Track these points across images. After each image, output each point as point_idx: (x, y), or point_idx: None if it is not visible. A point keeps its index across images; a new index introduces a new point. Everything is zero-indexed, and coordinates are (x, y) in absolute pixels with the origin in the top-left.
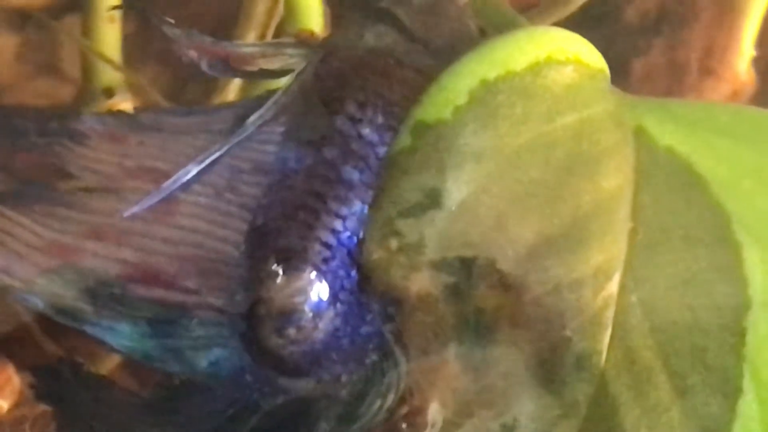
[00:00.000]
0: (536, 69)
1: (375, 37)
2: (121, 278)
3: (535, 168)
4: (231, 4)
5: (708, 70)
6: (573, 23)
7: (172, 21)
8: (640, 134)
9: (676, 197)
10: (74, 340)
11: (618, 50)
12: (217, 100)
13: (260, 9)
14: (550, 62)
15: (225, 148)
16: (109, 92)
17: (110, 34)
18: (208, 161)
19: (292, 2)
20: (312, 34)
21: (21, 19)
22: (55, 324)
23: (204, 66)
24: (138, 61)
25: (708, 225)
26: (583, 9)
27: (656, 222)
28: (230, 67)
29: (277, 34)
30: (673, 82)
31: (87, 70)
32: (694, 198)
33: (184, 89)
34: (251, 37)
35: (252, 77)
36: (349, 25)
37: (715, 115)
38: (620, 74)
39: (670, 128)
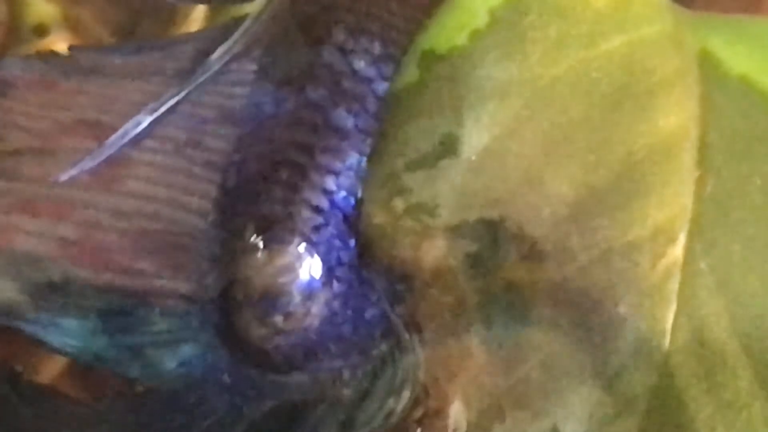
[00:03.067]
0: None
1: None
2: (62, 261)
3: (575, 105)
4: None
5: None
6: None
7: None
8: (706, 60)
9: (754, 137)
10: (9, 344)
11: None
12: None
13: None
14: None
15: (184, 93)
16: (41, 30)
17: None
18: (162, 110)
19: None
20: None
21: None
22: None
23: None
24: None
25: None
26: None
27: (730, 170)
28: None
29: None
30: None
31: (15, 4)
32: None
33: (137, 24)
34: None
35: (217, 1)
36: None
37: None
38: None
39: (744, 52)
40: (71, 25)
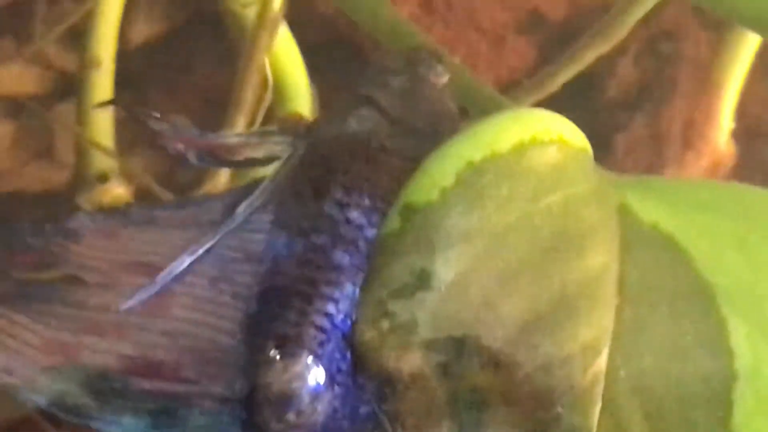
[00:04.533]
0: (521, 150)
1: (358, 121)
2: (121, 372)
3: (522, 247)
4: (221, 89)
5: (688, 143)
6: (556, 101)
7: (158, 115)
8: (624, 211)
9: (661, 272)
10: (79, 428)
11: (601, 125)
12: (208, 184)
13: (249, 94)
14: (534, 143)
15: (215, 239)
16: (103, 178)
17: (103, 121)
18: (199, 252)
19: (281, 87)
20: (300, 117)
21: (16, 107)
22: None
23: (191, 158)
24: (131, 146)
25: (693, 299)
26: (565, 86)
27: (642, 297)
28: (217, 157)
29: (267, 117)
30: (655, 155)
31: (81, 157)
32: (679, 273)
33: (176, 174)
34: (241, 121)
35: (239, 166)
36: (332, 110)
37: (697, 192)
38: (604, 149)
39: (653, 205)
40: (125, 173)
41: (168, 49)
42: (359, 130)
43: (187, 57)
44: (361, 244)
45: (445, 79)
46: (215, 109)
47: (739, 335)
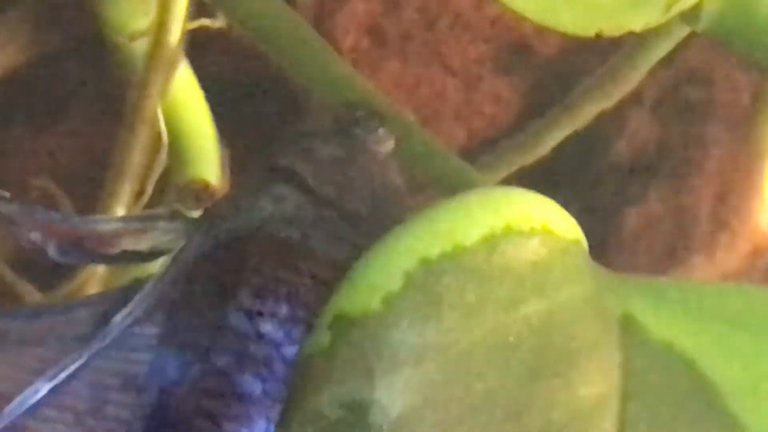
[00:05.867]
0: (492, 243)
1: (273, 202)
2: None
3: (493, 372)
4: (102, 137)
5: (721, 222)
6: (545, 167)
7: (5, 194)
8: (628, 325)
9: (677, 408)
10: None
11: (605, 198)
12: (82, 272)
13: (136, 155)
14: (509, 234)
15: (83, 359)
16: None
17: None
18: (61, 377)
19: (180, 146)
20: (207, 186)
21: None
22: None
23: (52, 252)
24: None
25: None
26: (558, 147)
27: None
28: (86, 250)
29: (161, 186)
30: (677, 238)
31: None
32: (701, 409)
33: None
34: (125, 191)
35: (116, 261)
36: (242, 185)
37: (727, 299)
38: (608, 230)
39: (667, 317)
40: None
41: (35, 82)
42: (275, 214)
43: (61, 94)
44: (278, 366)
45: (388, 145)
46: (94, 165)
47: None
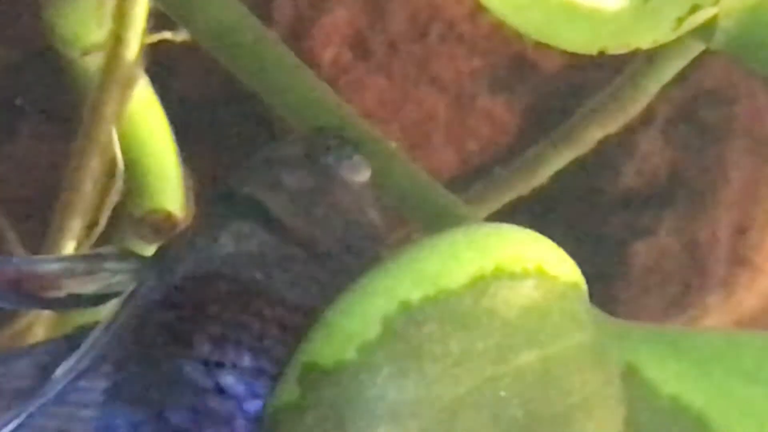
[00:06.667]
0: (480, 286)
1: (234, 239)
2: None
3: (481, 430)
4: (55, 162)
5: (741, 256)
6: (544, 196)
7: None
8: (632, 377)
9: None
10: None
11: (611, 231)
12: (21, 319)
13: (88, 183)
14: (499, 276)
15: (20, 418)
16: None
17: None
18: None
19: (137, 173)
20: (168, 217)
21: None
22: None
23: None
24: None
25: None
26: (559, 173)
27: None
28: (26, 294)
29: (116, 217)
30: (692, 274)
31: None
32: None
33: None
34: (75, 224)
35: (60, 307)
36: (200, 219)
37: (742, 350)
38: (614, 266)
39: (675, 369)
40: None
41: None
42: (237, 253)
43: (8, 114)
44: (239, 423)
45: (364, 174)
46: (45, 194)
47: None
